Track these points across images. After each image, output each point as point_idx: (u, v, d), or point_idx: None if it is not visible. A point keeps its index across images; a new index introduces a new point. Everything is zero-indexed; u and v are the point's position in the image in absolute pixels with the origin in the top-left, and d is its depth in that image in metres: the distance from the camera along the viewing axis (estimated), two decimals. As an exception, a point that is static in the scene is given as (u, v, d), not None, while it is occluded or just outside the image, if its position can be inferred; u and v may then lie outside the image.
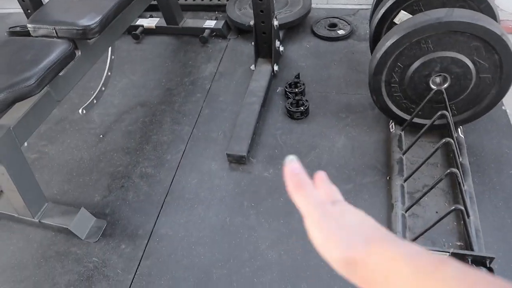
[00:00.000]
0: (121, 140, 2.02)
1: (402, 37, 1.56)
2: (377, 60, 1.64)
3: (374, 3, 2.02)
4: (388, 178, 1.70)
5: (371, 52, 1.97)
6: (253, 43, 2.21)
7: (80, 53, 1.75)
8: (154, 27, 2.64)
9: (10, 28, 2.92)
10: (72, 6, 1.78)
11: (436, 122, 1.62)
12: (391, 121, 1.86)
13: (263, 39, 2.16)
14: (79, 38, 1.68)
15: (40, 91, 1.46)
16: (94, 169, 1.91)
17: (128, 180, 1.84)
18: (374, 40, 1.91)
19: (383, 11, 1.82)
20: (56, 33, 1.68)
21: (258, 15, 2.08)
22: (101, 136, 2.06)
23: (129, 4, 1.86)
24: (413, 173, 1.60)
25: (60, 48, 1.54)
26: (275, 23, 2.12)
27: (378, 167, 1.75)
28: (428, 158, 1.51)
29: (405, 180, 1.62)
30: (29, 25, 1.73)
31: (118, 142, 2.01)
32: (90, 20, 1.65)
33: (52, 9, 1.78)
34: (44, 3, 2.50)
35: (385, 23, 1.86)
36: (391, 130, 1.84)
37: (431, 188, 1.45)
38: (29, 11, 2.44)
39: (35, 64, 1.47)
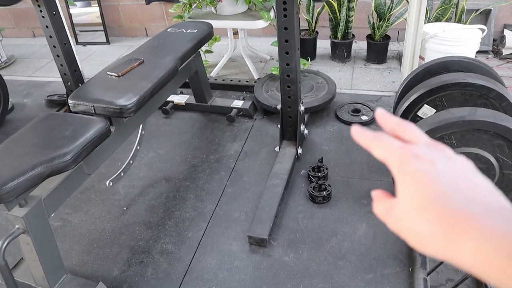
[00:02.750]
0: (144, 213, 2.05)
1: (426, 133, 1.60)
2: (401, 153, 1.67)
3: (397, 95, 2.10)
4: (410, 269, 1.68)
5: (395, 142, 2.01)
6: (278, 125, 2.29)
7: (114, 129, 1.83)
8: (184, 104, 2.75)
9: (48, 96, 3.08)
10: (111, 85, 1.88)
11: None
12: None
13: (288, 123, 2.23)
14: (115, 116, 1.77)
15: (75, 167, 1.52)
16: (115, 241, 1.93)
17: (148, 255, 1.84)
18: (398, 131, 1.95)
19: (407, 104, 1.88)
20: (94, 110, 1.77)
21: (285, 101, 2.16)
22: (125, 208, 2.09)
23: (164, 86, 1.95)
24: (437, 266, 1.57)
25: (97, 126, 1.62)
26: (301, 108, 2.20)
27: (400, 258, 1.73)
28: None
29: (428, 274, 1.60)
30: (70, 101, 1.83)
31: (140, 215, 2.04)
32: (127, 101, 1.74)
33: (92, 87, 1.89)
34: (83, 78, 2.66)
35: (408, 115, 1.91)
36: (413, 221, 1.83)
37: (457, 285, 1.42)
38: (69, 83, 2.59)
39: (73, 140, 1.54)
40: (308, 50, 3.23)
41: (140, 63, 2.03)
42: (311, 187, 2.03)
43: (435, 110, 1.87)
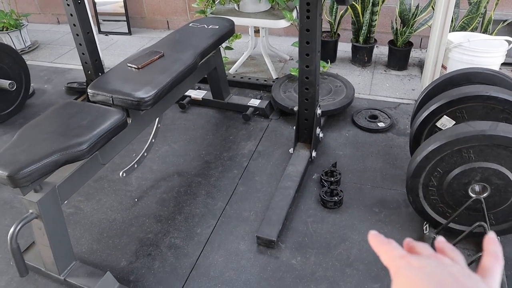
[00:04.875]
0: (154, 206, 2.06)
1: (444, 144, 1.58)
2: (417, 163, 1.65)
3: (417, 103, 2.07)
4: (418, 283, 1.66)
5: (411, 151, 1.99)
6: (294, 127, 2.28)
7: (131, 121, 1.84)
8: (201, 99, 2.75)
9: (68, 83, 3.11)
10: (130, 77, 1.89)
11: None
12: (425, 222, 1.84)
13: (304, 125, 2.22)
14: (132, 108, 1.78)
15: (90, 156, 1.53)
16: (125, 232, 1.94)
17: (156, 248, 1.85)
18: (415, 140, 1.93)
19: (427, 114, 1.86)
20: (112, 101, 1.79)
21: (302, 102, 2.15)
22: (136, 200, 2.11)
23: (183, 80, 1.96)
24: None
25: (114, 118, 1.63)
26: (318, 111, 2.18)
27: (409, 270, 1.71)
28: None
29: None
30: (89, 90, 1.84)
31: (151, 208, 2.05)
32: (145, 93, 1.75)
33: (111, 78, 1.90)
34: (104, 67, 2.68)
35: (427, 125, 1.89)
36: (425, 232, 1.81)
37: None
38: (89, 72, 2.61)
39: (90, 130, 1.55)
40: (329, 52, 3.21)
41: (160, 56, 2.03)
42: (323, 191, 2.02)
43: (454, 122, 1.84)
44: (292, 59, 3.41)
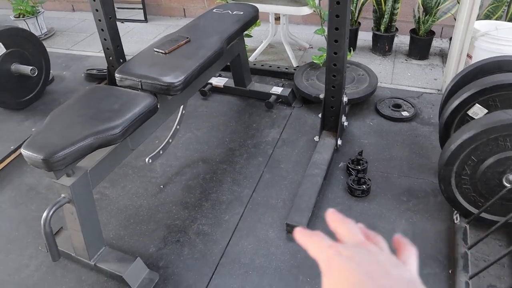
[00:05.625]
0: (180, 193, 2.05)
1: (480, 132, 1.56)
2: (451, 151, 1.63)
3: (446, 93, 2.04)
4: (450, 271, 1.64)
5: (440, 140, 1.96)
6: (318, 115, 2.26)
7: (159, 106, 1.83)
8: (222, 86, 2.73)
9: (87, 70, 3.09)
10: (158, 62, 1.87)
11: (508, 222, 1.57)
12: (455, 212, 1.82)
13: (330, 113, 2.20)
14: (161, 93, 1.76)
15: (122, 140, 1.52)
16: (152, 218, 1.93)
17: (184, 235, 1.84)
18: (445, 129, 1.91)
19: (458, 102, 1.83)
20: (141, 85, 1.77)
21: (329, 90, 2.13)
22: (162, 186, 2.10)
23: (210, 66, 1.94)
24: (480, 271, 1.53)
25: (145, 102, 1.62)
26: (345, 99, 2.16)
27: (440, 259, 1.70)
28: (501, 258, 1.45)
29: (470, 278, 1.56)
30: (117, 75, 1.83)
31: (177, 195, 2.05)
32: (175, 78, 1.73)
33: (139, 63, 1.88)
34: (125, 53, 2.66)
35: (458, 114, 1.86)
36: (455, 222, 1.79)
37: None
38: (110, 58, 2.59)
39: (122, 114, 1.54)
40: (349, 41, 3.17)
41: (186, 41, 2.02)
42: (350, 179, 2.00)
43: (486, 111, 1.81)
44: (311, 47, 3.38)
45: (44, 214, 1.48)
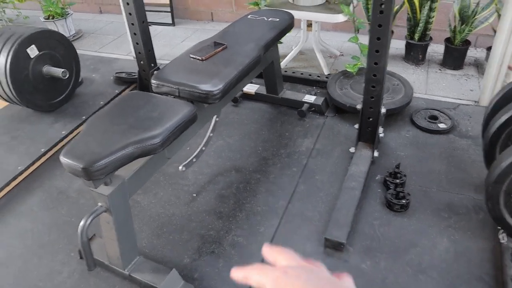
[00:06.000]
0: (214, 202, 2.01)
1: (535, 150, 1.49)
2: (502, 169, 1.56)
3: (491, 105, 1.97)
4: (497, 294, 1.58)
5: (485, 155, 1.89)
6: (355, 125, 2.20)
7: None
8: (254, 93, 2.69)
9: (116, 73, 3.08)
10: (195, 69, 1.84)
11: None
12: (501, 231, 1.75)
13: (367, 124, 2.14)
14: (199, 101, 1.73)
15: (162, 150, 1.48)
16: (185, 228, 1.90)
17: (219, 246, 1.80)
18: (490, 144, 1.84)
19: (507, 117, 1.76)
20: (179, 93, 1.74)
21: (367, 101, 2.07)
22: (194, 195, 2.06)
23: (248, 74, 1.90)
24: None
25: (185, 110, 1.58)
26: (383, 110, 2.10)
27: (486, 280, 1.63)
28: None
29: (521, 302, 1.49)
30: (153, 81, 1.80)
31: (211, 204, 2.01)
32: (214, 86, 1.69)
33: (175, 69, 1.85)
34: (156, 57, 2.64)
35: (505, 129, 1.79)
36: (501, 241, 1.72)
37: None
38: (142, 62, 2.57)
39: (162, 123, 1.50)
40: (382, 49, 3.11)
41: (223, 48, 1.98)
42: (389, 193, 1.94)
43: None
44: (342, 55, 3.32)
45: (81, 223, 1.45)
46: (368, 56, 1.96)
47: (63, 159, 1.37)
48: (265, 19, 2.28)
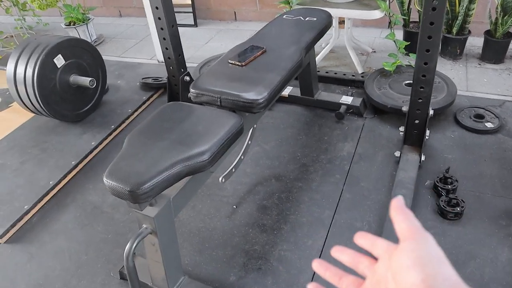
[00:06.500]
0: (256, 214, 1.92)
1: None
2: None
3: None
4: None
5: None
6: (400, 128, 2.09)
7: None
8: (287, 96, 2.59)
9: (142, 78, 3.00)
10: (236, 76, 1.74)
11: None
12: None
13: (414, 127, 2.03)
14: (242, 110, 1.63)
15: (210, 167, 1.39)
16: (228, 243, 1.81)
17: (265, 262, 1.71)
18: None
19: None
20: (220, 102, 1.64)
21: (415, 102, 1.95)
22: (234, 206, 1.97)
23: (291, 79, 1.80)
24: None
25: (231, 122, 1.48)
26: (431, 112, 1.98)
27: (557, 295, 1.51)
28: None
29: None
30: (192, 90, 1.70)
31: (252, 216, 1.91)
32: (259, 94, 1.59)
33: (214, 77, 1.75)
34: (186, 63, 2.55)
35: None
36: None
37: None
38: (171, 68, 2.49)
39: (209, 137, 1.40)
40: (416, 44, 2.97)
41: (262, 52, 1.88)
42: (442, 200, 1.83)
43: None
44: (374, 51, 3.20)
45: (127, 248, 1.36)
46: (418, 55, 1.84)
47: (106, 181, 1.28)
48: (302, 18, 2.18)
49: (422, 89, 1.90)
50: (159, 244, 1.43)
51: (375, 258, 0.56)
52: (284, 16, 2.24)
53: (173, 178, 1.30)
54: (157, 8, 2.27)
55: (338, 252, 0.61)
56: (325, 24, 2.14)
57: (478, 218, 1.81)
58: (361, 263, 0.58)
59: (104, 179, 1.29)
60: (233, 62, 1.82)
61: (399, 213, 0.53)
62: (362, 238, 0.58)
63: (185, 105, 1.62)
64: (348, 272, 0.59)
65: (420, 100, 1.94)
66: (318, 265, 0.60)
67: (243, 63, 1.79)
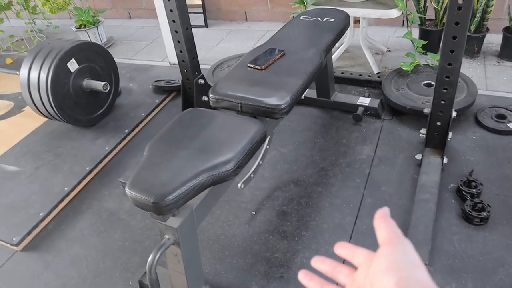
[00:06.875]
0: (275, 221, 1.88)
1: None
2: None
3: None
4: None
5: None
6: (421, 130, 2.05)
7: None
8: (303, 98, 2.54)
9: (155, 81, 2.97)
10: (256, 80, 1.70)
11: None
12: None
13: (436, 129, 1.98)
14: (263, 116, 1.59)
15: (235, 176, 1.35)
16: (249, 250, 1.77)
17: (287, 270, 1.67)
18: None
19: None
20: (241, 108, 1.61)
21: (437, 104, 1.91)
22: (253, 213, 1.94)
23: (311, 83, 1.76)
24: None
25: (254, 129, 1.44)
26: (454, 114, 1.94)
27: None
28: None
29: None
30: (211, 95, 1.67)
31: (272, 222, 1.88)
32: (281, 100, 1.56)
33: (234, 82, 1.72)
34: (200, 65, 2.52)
35: None
36: None
37: None
38: (185, 71, 2.45)
39: (233, 145, 1.37)
40: (433, 43, 2.92)
41: (282, 55, 1.84)
42: (467, 205, 1.78)
43: None
44: (389, 50, 3.14)
45: (150, 259, 1.33)
46: (441, 56, 1.79)
47: (129, 192, 1.25)
48: (320, 19, 2.13)
49: (445, 91, 1.85)
50: (182, 254, 1.39)
51: (355, 268, 0.57)
52: (301, 17, 2.19)
53: (197, 188, 1.27)
54: (171, 10, 2.23)
55: (318, 262, 0.62)
56: (344, 25, 2.10)
57: (505, 223, 1.76)
58: (341, 272, 0.59)
59: (127, 190, 1.26)
60: (252, 66, 1.78)
61: (382, 221, 0.55)
62: (342, 248, 0.60)
63: (205, 111, 1.59)
64: (331, 282, 0.60)
65: (443, 102, 1.89)
66: (303, 276, 0.61)
67: (263, 67, 1.76)
